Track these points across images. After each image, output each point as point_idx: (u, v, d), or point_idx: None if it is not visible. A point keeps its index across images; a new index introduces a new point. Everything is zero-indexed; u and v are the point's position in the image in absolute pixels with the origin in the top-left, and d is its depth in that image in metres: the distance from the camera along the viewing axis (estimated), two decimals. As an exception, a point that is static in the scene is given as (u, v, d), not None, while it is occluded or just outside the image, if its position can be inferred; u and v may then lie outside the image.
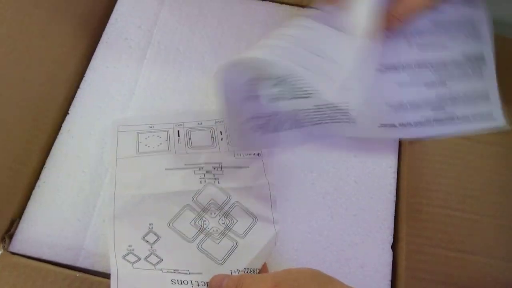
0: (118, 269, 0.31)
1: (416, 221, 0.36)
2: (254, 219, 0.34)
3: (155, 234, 0.33)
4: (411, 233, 0.35)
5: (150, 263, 0.32)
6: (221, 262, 0.32)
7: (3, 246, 0.34)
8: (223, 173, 0.36)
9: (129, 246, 0.32)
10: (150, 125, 0.38)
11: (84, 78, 0.41)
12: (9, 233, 0.35)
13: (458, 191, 0.37)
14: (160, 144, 0.37)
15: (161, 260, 0.32)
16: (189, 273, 0.31)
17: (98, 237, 0.35)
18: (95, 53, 0.42)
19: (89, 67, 0.41)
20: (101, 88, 0.40)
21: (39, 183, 0.37)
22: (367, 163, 0.38)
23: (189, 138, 0.37)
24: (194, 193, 0.34)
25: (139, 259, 0.32)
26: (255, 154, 0.37)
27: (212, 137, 0.38)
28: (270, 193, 0.35)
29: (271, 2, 0.46)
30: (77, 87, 0.40)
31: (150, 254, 0.32)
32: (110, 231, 0.32)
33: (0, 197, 0.35)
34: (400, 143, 0.39)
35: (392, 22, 0.32)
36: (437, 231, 0.35)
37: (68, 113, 0.39)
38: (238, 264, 0.32)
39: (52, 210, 0.36)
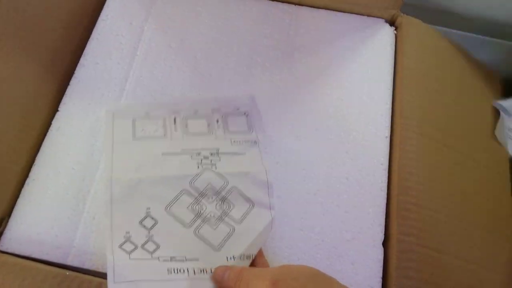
0: (115, 260, 0.31)
1: (405, 219, 0.36)
2: (251, 205, 0.34)
3: (152, 218, 0.33)
4: (401, 231, 0.35)
5: (147, 251, 0.32)
6: (217, 248, 0.32)
7: (-8, 245, 0.34)
8: (220, 159, 0.36)
9: (126, 233, 0.32)
10: (146, 112, 0.38)
11: (74, 75, 0.40)
12: (-2, 231, 0.34)
13: (439, 194, 0.37)
14: (157, 130, 0.37)
15: (158, 246, 0.32)
16: (186, 260, 0.32)
17: (88, 235, 0.34)
18: (86, 50, 0.42)
19: (79, 63, 0.41)
20: (91, 85, 0.40)
21: (28, 180, 0.36)
22: (358, 160, 0.39)
23: (186, 126, 0.37)
24: (191, 178, 0.35)
25: (136, 247, 0.32)
26: (251, 141, 0.37)
27: (209, 125, 0.38)
28: (267, 178, 0.36)
29: (265, 0, 0.45)
30: (67, 84, 0.40)
31: (147, 241, 0.32)
32: (107, 218, 0.33)
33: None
34: (391, 141, 0.40)
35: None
36: (422, 230, 0.35)
37: (58, 110, 0.39)
38: (234, 250, 0.32)
39: (41, 208, 0.35)
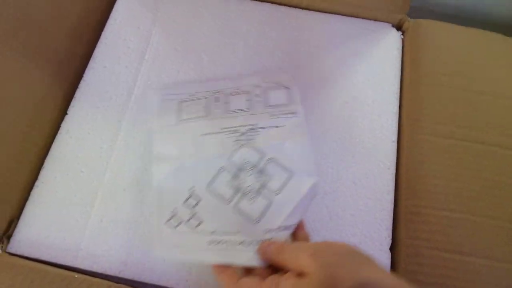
0: (161, 233, 0.32)
1: (414, 223, 0.36)
2: (290, 174, 0.34)
3: (195, 197, 0.34)
4: (409, 235, 0.35)
5: (191, 226, 0.33)
6: (256, 220, 0.33)
7: (1, 247, 0.34)
8: (258, 134, 0.36)
9: (172, 211, 0.33)
10: (191, 94, 0.39)
11: (83, 78, 0.41)
12: (7, 233, 0.35)
13: (456, 193, 0.37)
14: (199, 110, 0.38)
15: (201, 222, 0.33)
16: (226, 234, 0.32)
17: (96, 238, 0.35)
18: (94, 54, 0.42)
19: (88, 67, 0.41)
20: (100, 89, 0.40)
21: (37, 183, 0.37)
22: (365, 164, 0.39)
23: (226, 103, 0.38)
24: (229, 155, 0.35)
25: (180, 222, 0.33)
26: (291, 112, 0.37)
27: (248, 100, 0.38)
28: (308, 145, 0.36)
29: (269, 3, 0.46)
30: (76, 87, 0.40)
31: (191, 217, 0.33)
32: (153, 201, 0.34)
33: (-1, 198, 0.35)
34: (398, 145, 0.40)
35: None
36: (435, 233, 0.35)
37: (67, 114, 0.39)
38: (273, 221, 0.32)
39: (50, 211, 0.36)
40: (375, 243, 0.36)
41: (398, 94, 0.42)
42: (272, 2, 0.46)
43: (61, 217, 0.35)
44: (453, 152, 0.38)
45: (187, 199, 0.34)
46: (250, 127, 0.36)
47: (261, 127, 0.36)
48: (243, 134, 0.36)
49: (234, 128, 0.36)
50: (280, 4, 0.46)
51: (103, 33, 0.43)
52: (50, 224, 0.35)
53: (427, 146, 0.38)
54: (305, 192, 0.33)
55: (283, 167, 0.35)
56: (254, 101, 0.38)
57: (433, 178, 0.37)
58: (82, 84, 0.41)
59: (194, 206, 0.33)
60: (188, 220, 0.33)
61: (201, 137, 0.36)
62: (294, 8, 0.46)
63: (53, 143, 0.38)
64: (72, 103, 0.40)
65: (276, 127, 0.36)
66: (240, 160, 0.35)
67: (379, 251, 0.35)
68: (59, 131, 0.39)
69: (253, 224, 0.32)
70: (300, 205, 0.33)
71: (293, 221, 0.32)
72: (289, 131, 0.36)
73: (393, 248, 0.36)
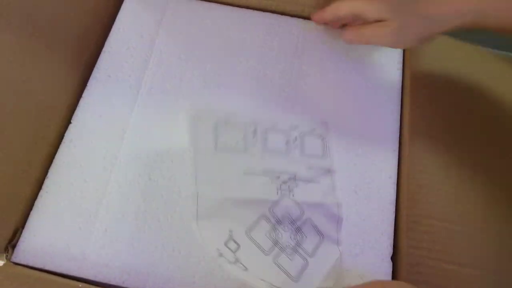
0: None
1: (415, 232, 0.36)
2: (321, 238, 0.35)
3: (235, 242, 0.34)
4: (410, 244, 0.36)
5: (238, 270, 0.33)
6: (296, 279, 0.33)
7: (6, 256, 0.34)
8: (297, 185, 0.36)
9: (217, 249, 0.33)
10: (227, 118, 0.39)
11: (87, 87, 0.41)
12: (12, 243, 0.35)
13: (454, 204, 0.37)
14: (238, 142, 0.38)
15: (246, 269, 0.33)
16: (270, 286, 0.32)
17: (100, 248, 0.35)
18: (98, 63, 0.42)
19: (91, 76, 0.42)
20: (104, 98, 0.41)
21: (41, 192, 0.37)
22: (366, 173, 0.39)
23: (265, 139, 0.38)
24: (271, 204, 0.35)
25: (228, 262, 0.33)
26: (325, 169, 0.38)
27: (287, 142, 0.38)
28: (338, 212, 0.36)
29: (272, 13, 0.46)
30: (80, 96, 0.41)
31: (236, 262, 0.33)
32: (196, 230, 0.34)
33: (3, 206, 0.35)
34: (400, 153, 0.40)
35: (355, 40, 0.40)
36: (435, 243, 0.36)
37: (70, 122, 0.40)
38: (311, 282, 0.33)
39: (54, 220, 0.36)
40: (377, 252, 0.36)
41: (400, 102, 0.42)
42: (274, 12, 0.46)
43: (65, 227, 0.35)
44: (452, 164, 0.38)
45: (227, 241, 0.34)
46: (291, 175, 0.37)
47: (300, 180, 0.37)
48: (284, 183, 0.36)
49: (276, 173, 0.36)
50: (283, 14, 0.46)
51: (107, 41, 0.43)
52: (55, 233, 0.35)
53: (428, 155, 0.39)
54: (335, 259, 0.34)
55: (317, 229, 0.35)
56: (292, 145, 0.38)
57: (432, 189, 0.37)
58: (86, 93, 0.41)
59: (235, 251, 0.33)
60: (235, 263, 0.33)
61: (242, 175, 0.36)
62: (295, 18, 0.46)
63: (57, 152, 0.38)
64: (76, 112, 0.40)
65: (312, 181, 0.37)
66: (281, 213, 0.35)
67: (381, 260, 0.36)
68: (63, 140, 0.39)
69: (294, 282, 0.33)
70: (333, 271, 0.34)
71: (330, 284, 0.33)
72: (323, 192, 0.37)
73: (394, 257, 0.36)
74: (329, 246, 0.35)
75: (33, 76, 0.38)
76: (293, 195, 0.36)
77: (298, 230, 0.35)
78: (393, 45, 0.39)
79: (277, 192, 0.36)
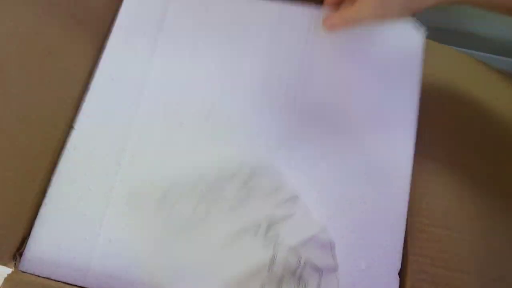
0: None
1: (419, 240, 0.35)
2: (320, 274, 0.33)
3: None
4: (414, 252, 0.35)
5: None
6: None
7: (14, 264, 0.35)
8: (281, 227, 0.34)
9: None
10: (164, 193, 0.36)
11: (89, 92, 0.40)
12: (20, 251, 0.35)
13: (456, 212, 0.36)
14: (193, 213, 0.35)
15: None
16: None
17: (105, 257, 0.35)
18: (100, 65, 0.41)
19: (94, 80, 0.40)
20: (107, 102, 0.40)
21: (45, 201, 0.37)
22: (376, 183, 0.37)
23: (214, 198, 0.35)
24: (268, 266, 0.32)
25: None
26: (286, 199, 0.35)
27: (236, 195, 0.35)
28: (328, 238, 0.34)
29: (280, 2, 0.43)
30: (83, 101, 0.40)
31: None
32: None
33: (11, 214, 0.35)
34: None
35: (338, 24, 0.39)
36: (438, 250, 0.35)
37: (74, 128, 0.39)
38: None
39: (59, 229, 0.36)
40: (384, 267, 0.35)
41: (417, 111, 0.40)
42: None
43: (70, 236, 0.36)
44: (455, 171, 0.38)
45: None
46: (270, 221, 0.34)
47: (279, 220, 0.34)
48: (268, 229, 0.33)
49: (256, 223, 0.34)
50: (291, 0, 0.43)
51: (108, 42, 0.42)
52: (59, 242, 0.35)
53: (429, 163, 0.38)
54: None
55: (316, 268, 0.33)
56: (243, 193, 0.35)
57: (435, 197, 0.37)
58: (89, 98, 0.40)
59: None
60: None
61: (222, 250, 0.33)
62: (308, 6, 0.43)
63: (61, 160, 0.38)
64: (78, 117, 0.39)
65: (290, 217, 0.34)
66: (281, 269, 0.32)
67: (387, 276, 0.35)
68: (66, 147, 0.38)
69: None
70: None
71: None
72: (306, 221, 0.34)
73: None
74: (328, 280, 0.33)
75: (35, 84, 0.37)
76: (283, 241, 0.33)
77: (300, 278, 0.33)
78: (379, 18, 0.36)
79: (267, 246, 0.33)
